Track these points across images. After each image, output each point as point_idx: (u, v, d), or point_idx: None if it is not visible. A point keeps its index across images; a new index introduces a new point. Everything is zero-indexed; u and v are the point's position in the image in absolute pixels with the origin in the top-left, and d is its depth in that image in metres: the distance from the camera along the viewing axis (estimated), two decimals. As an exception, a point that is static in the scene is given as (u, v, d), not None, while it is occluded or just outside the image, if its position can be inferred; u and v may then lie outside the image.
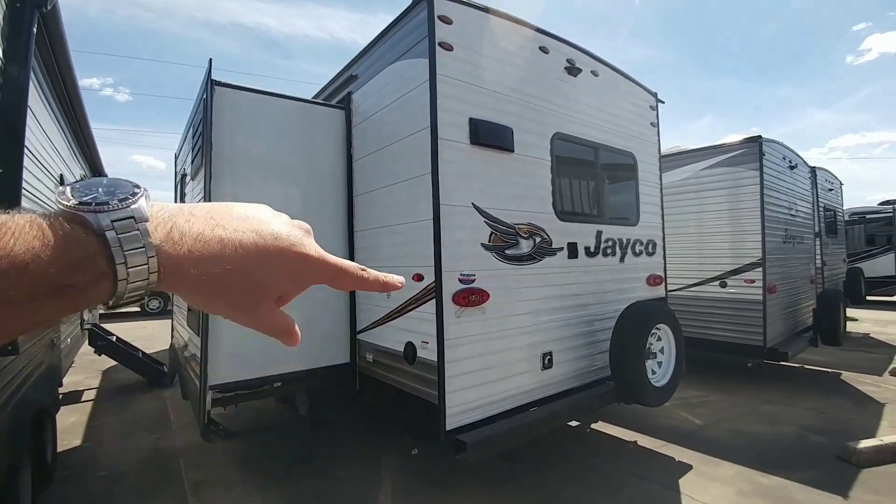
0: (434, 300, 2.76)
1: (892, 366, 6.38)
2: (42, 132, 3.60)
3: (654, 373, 3.66)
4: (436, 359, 2.74)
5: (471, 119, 2.96)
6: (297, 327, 0.45)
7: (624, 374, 3.37)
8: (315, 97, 4.52)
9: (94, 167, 7.33)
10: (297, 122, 3.70)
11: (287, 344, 0.45)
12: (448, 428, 2.72)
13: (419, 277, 2.92)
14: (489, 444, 2.75)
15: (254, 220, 0.40)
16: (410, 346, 3.03)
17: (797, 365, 6.66)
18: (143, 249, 0.32)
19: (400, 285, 0.48)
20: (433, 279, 2.76)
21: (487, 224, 3.01)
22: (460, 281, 2.83)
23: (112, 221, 0.32)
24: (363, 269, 0.45)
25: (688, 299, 6.28)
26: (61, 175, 4.38)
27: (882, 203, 13.39)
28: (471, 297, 2.83)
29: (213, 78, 3.27)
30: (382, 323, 3.40)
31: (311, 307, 3.70)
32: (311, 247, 0.43)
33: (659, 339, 3.74)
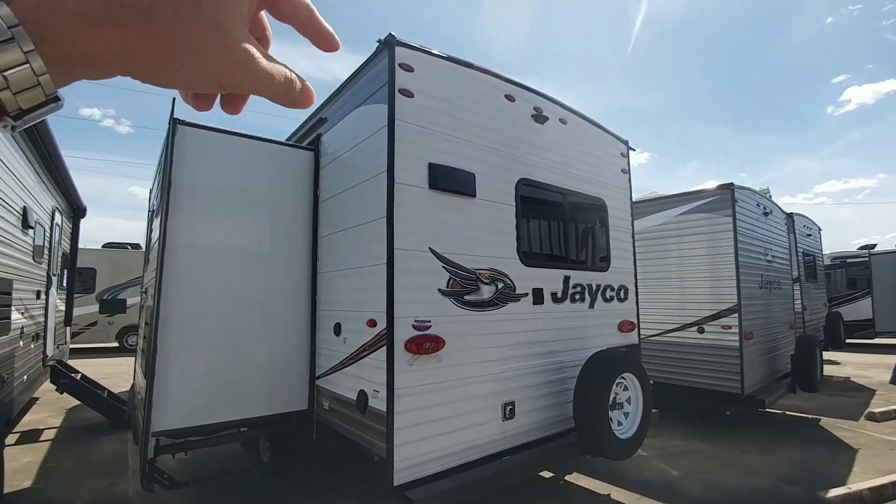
0: (385, 347, 2.67)
1: (867, 410, 6.39)
2: None
3: (619, 424, 3.54)
4: (385, 409, 2.63)
5: (430, 164, 2.97)
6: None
7: (587, 425, 3.25)
8: (289, 138, 4.57)
9: (69, 197, 7.28)
10: (264, 162, 3.71)
11: (303, 102, 0.37)
12: (396, 483, 2.57)
13: (372, 323, 2.84)
14: (439, 501, 2.59)
15: None
16: (363, 395, 2.91)
17: (777, 411, 6.55)
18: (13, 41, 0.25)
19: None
20: (385, 325, 2.69)
21: (445, 269, 2.96)
22: (414, 327, 2.76)
23: None
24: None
25: (667, 345, 6.21)
26: (24, 207, 4.33)
27: (861, 248, 13.60)
28: (424, 344, 2.75)
29: (175, 117, 3.28)
30: (339, 369, 3.29)
31: (271, 350, 3.59)
32: None
33: (625, 388, 3.64)
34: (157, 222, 3.89)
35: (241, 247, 3.56)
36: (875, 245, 12.63)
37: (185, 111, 3.28)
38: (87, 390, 6.15)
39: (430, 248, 2.90)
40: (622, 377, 3.54)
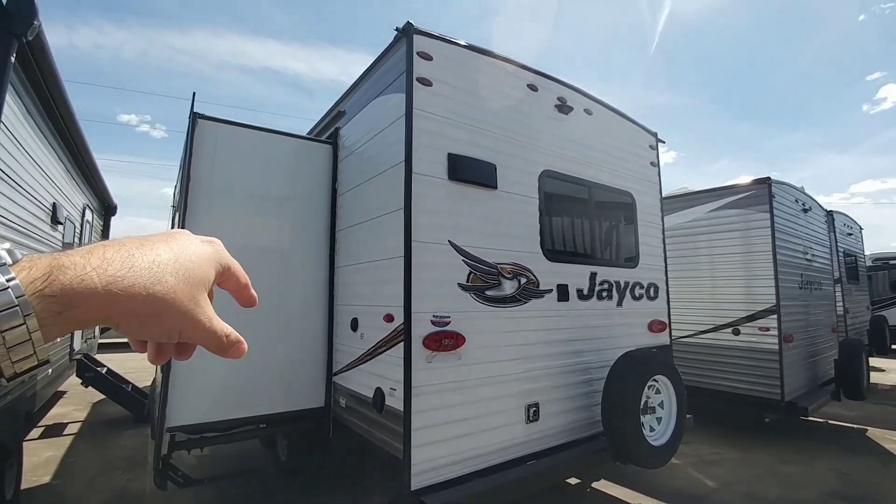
0: (403, 343, 2.56)
1: None
2: (30, 161, 3.63)
3: (652, 430, 3.33)
4: (402, 408, 2.52)
5: (450, 154, 2.85)
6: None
7: (617, 431, 3.06)
8: (309, 133, 4.53)
9: (100, 195, 7.47)
10: (283, 156, 3.66)
11: (236, 354, 0.46)
12: (413, 487, 2.45)
13: (389, 318, 2.74)
14: (459, 508, 2.46)
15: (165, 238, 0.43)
16: (379, 393, 2.80)
17: (820, 420, 6.16)
18: (16, 309, 0.31)
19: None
20: (402, 320, 2.58)
21: (466, 263, 2.84)
22: (433, 323, 2.64)
23: None
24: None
25: (700, 347, 5.92)
26: (54, 203, 4.41)
27: (908, 248, 12.80)
28: (444, 340, 2.63)
29: (195, 111, 3.27)
30: (356, 365, 3.20)
31: (288, 346, 3.53)
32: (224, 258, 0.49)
33: (658, 391, 3.43)
34: (177, 217, 3.90)
35: (258, 241, 3.52)
36: (923, 245, 11.87)
37: (205, 106, 3.26)
38: (111, 384, 6.24)
39: (449, 241, 2.78)
40: (654, 379, 3.34)
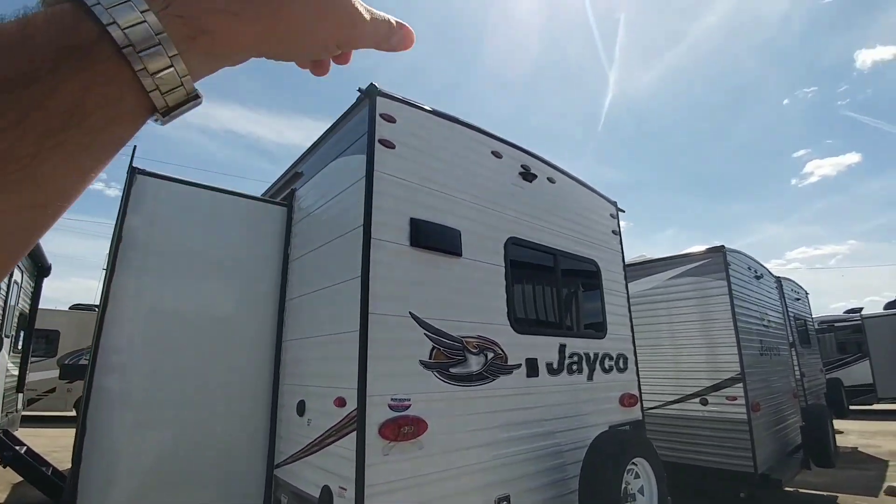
0: (356, 432, 2.21)
1: (886, 484, 5.94)
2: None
3: (633, 522, 3.02)
4: (353, 514, 2.12)
5: (412, 219, 2.69)
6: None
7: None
8: (265, 193, 4.30)
9: (32, 255, 6.81)
10: (232, 217, 3.39)
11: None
12: None
13: (341, 402, 2.40)
14: None
15: None
16: (327, 492, 2.39)
17: (790, 489, 5.98)
18: (129, 5, 0.28)
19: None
20: (356, 405, 2.25)
21: (428, 337, 2.58)
22: (391, 408, 2.32)
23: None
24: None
25: (669, 418, 5.73)
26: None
27: (847, 311, 13.58)
28: (403, 428, 2.30)
29: (135, 166, 3.00)
30: (301, 457, 2.76)
31: (224, 431, 3.05)
32: None
33: (637, 476, 3.16)
34: (104, 277, 3.48)
35: (199, 308, 3.14)
36: (862, 308, 12.60)
37: (146, 160, 3.01)
38: (29, 466, 5.36)
39: (410, 313, 2.54)
40: (633, 463, 3.08)
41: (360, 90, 2.81)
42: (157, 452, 2.82)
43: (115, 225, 3.04)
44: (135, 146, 3.06)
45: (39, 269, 7.62)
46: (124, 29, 0.27)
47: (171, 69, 0.30)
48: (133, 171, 3.01)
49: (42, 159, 0.24)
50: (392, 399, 2.33)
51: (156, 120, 0.31)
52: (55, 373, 10.97)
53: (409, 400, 2.39)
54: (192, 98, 0.32)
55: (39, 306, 7.68)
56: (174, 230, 3.15)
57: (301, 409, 2.85)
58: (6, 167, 0.23)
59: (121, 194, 3.15)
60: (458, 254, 2.89)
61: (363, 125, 2.74)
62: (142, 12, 0.28)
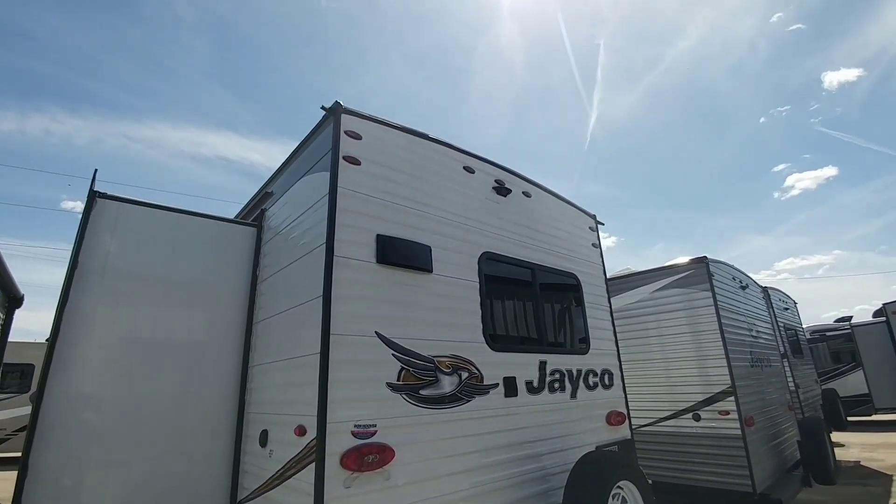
0: (314, 463, 2.07)
1: (892, 501, 5.72)
2: None
3: (622, 550, 2.85)
4: (312, 554, 1.96)
5: (379, 235, 2.61)
6: None
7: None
8: (237, 215, 4.21)
9: (3, 286, 6.60)
10: (198, 239, 3.29)
11: None
12: None
13: (301, 431, 2.26)
14: None
15: None
16: (288, 531, 2.22)
17: (793, 510, 5.78)
18: None
19: None
20: (315, 434, 2.11)
21: (396, 358, 2.46)
22: (354, 435, 2.18)
23: None
24: None
25: (662, 436, 5.56)
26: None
27: (838, 320, 13.56)
28: (366, 456, 2.16)
29: (95, 189, 2.91)
30: (263, 492, 2.59)
31: (183, 466, 2.87)
32: None
33: (624, 500, 3.00)
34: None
35: (157, 337, 3.00)
36: (851, 317, 12.59)
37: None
38: None
39: (376, 333, 2.42)
40: (618, 487, 2.93)
41: (323, 108, 2.77)
42: (110, 495, 2.64)
43: (73, 250, 2.93)
44: (95, 169, 2.98)
45: (11, 299, 7.39)
46: None
47: None
48: (93, 195, 2.92)
49: None
50: (355, 426, 2.19)
51: None
52: (28, 409, 10.59)
53: (374, 426, 2.25)
54: None
55: (10, 339, 7.43)
56: (135, 254, 3.04)
57: (264, 439, 2.69)
58: None
59: (80, 220, 3.05)
60: (429, 270, 2.80)
61: (327, 143, 2.69)
62: None
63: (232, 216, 3.90)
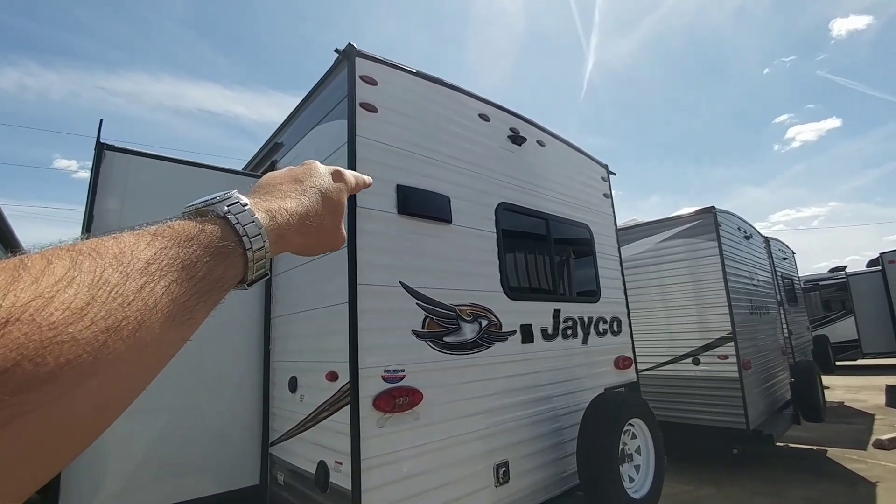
0: (349, 406, 2.16)
1: (873, 437, 6.14)
2: None
3: (631, 480, 3.05)
4: (350, 486, 2.09)
5: (399, 186, 2.58)
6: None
7: (594, 486, 2.75)
8: (245, 167, 4.13)
9: (5, 241, 6.57)
10: (209, 191, 3.24)
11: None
12: (366, 588, 2.00)
13: (333, 376, 2.34)
14: None
15: (311, 177, 0.55)
16: (323, 467, 2.35)
17: (781, 444, 6.16)
18: (255, 223, 0.43)
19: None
20: (348, 378, 2.19)
21: (420, 307, 2.51)
22: (385, 379, 2.26)
23: (228, 207, 0.43)
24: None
25: (662, 379, 5.80)
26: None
27: (832, 270, 13.82)
28: (398, 399, 2.25)
29: (102, 141, 2.82)
30: (295, 433, 2.72)
31: (215, 413, 2.99)
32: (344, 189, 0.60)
33: (633, 436, 3.18)
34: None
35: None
36: (845, 267, 12.82)
37: (112, 134, 2.83)
38: None
39: (401, 283, 2.46)
40: (630, 423, 3.09)
41: (337, 51, 2.65)
42: (146, 441, 2.75)
43: (86, 206, 2.89)
44: (101, 120, 2.88)
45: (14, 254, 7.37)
46: (251, 238, 0.42)
47: (264, 258, 0.44)
48: (101, 147, 2.84)
49: (198, 309, 0.36)
50: (385, 371, 2.27)
51: (238, 288, 0.43)
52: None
53: (403, 371, 2.34)
54: (264, 275, 0.46)
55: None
56: (149, 209, 3.00)
57: (293, 385, 2.79)
58: (183, 313, 0.34)
59: (90, 174, 2.99)
60: (448, 220, 2.80)
61: (342, 88, 2.59)
62: (259, 234, 0.43)
63: (217, 165, 3.78)
